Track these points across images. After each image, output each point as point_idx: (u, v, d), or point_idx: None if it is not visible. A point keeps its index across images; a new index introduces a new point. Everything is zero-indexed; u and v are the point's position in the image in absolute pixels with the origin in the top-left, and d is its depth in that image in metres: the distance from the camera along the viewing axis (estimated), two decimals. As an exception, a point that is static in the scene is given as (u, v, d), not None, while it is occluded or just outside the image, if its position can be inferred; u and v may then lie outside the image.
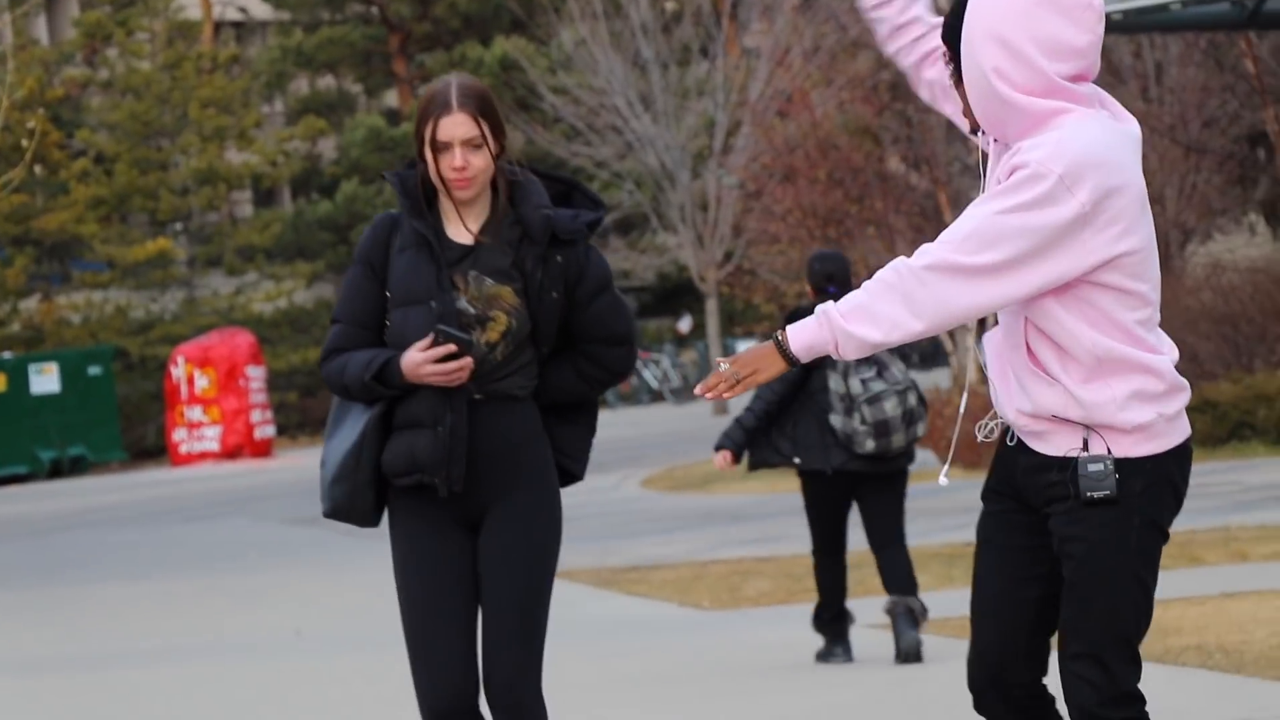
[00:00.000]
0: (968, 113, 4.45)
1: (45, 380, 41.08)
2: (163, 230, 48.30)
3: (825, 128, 35.03)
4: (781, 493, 20.16)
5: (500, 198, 5.17)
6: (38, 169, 39.65)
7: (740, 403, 9.66)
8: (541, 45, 46.67)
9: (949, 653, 9.65)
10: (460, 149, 5.05)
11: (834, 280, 11.55)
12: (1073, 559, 4.38)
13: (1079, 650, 4.40)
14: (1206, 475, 17.99)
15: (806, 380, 11.21)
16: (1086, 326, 4.32)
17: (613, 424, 36.07)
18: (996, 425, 4.62)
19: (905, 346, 11.48)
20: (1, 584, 20.19)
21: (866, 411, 11.31)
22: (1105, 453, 4.35)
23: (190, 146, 47.47)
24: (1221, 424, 19.57)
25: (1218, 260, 28.01)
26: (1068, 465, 4.37)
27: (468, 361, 5.02)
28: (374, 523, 5.29)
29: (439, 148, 5.07)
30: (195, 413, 41.69)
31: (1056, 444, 4.39)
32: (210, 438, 41.39)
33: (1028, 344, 4.42)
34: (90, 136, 47.25)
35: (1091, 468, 4.33)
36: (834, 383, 11.20)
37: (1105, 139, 4.33)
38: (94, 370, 42.12)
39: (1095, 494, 4.32)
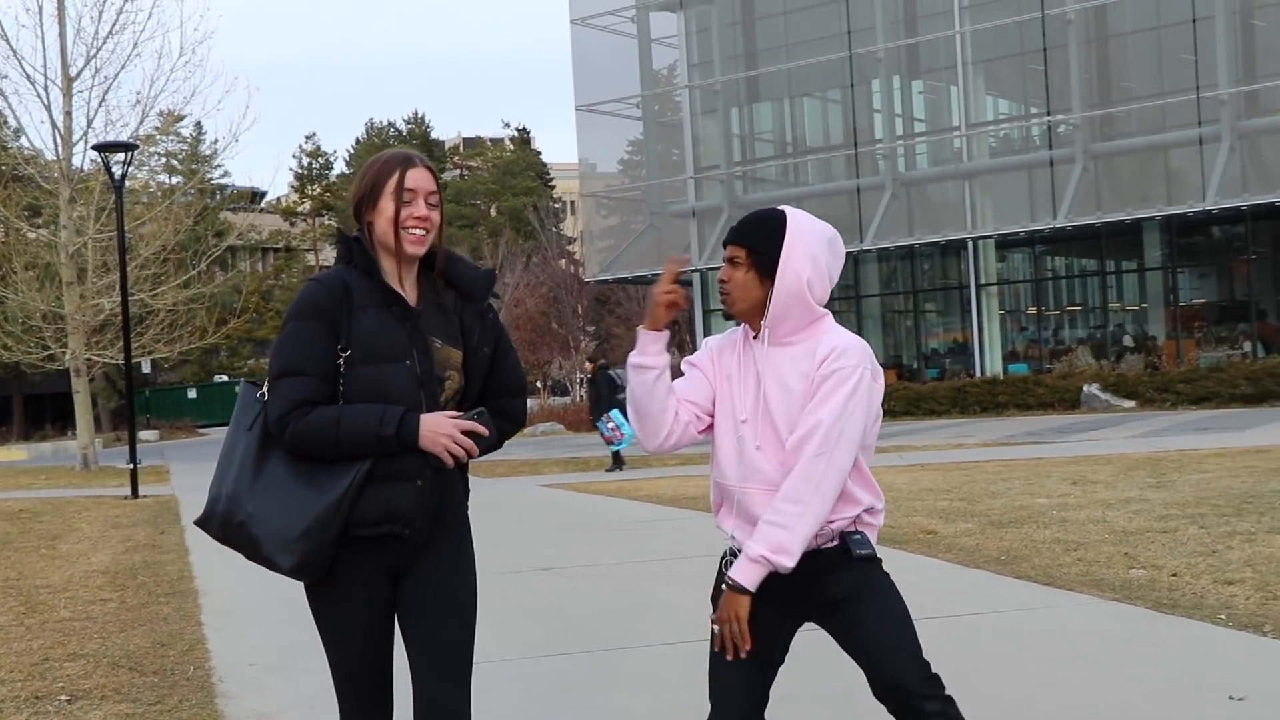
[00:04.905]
0: (738, 305, 3.91)
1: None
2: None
3: (531, 310, 54.83)
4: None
5: (439, 261, 3.86)
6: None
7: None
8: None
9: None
10: (424, 200, 3.78)
11: (595, 360, 20.56)
12: (858, 596, 3.88)
13: (905, 656, 3.81)
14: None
15: (599, 398, 19.78)
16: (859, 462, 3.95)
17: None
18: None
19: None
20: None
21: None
22: (859, 531, 4.00)
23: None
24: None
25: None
26: (838, 539, 3.92)
27: (474, 447, 3.76)
28: (325, 577, 3.73)
29: (405, 198, 3.76)
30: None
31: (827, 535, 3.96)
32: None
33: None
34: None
35: (857, 538, 3.92)
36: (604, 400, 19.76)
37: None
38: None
39: (863, 551, 3.92)
